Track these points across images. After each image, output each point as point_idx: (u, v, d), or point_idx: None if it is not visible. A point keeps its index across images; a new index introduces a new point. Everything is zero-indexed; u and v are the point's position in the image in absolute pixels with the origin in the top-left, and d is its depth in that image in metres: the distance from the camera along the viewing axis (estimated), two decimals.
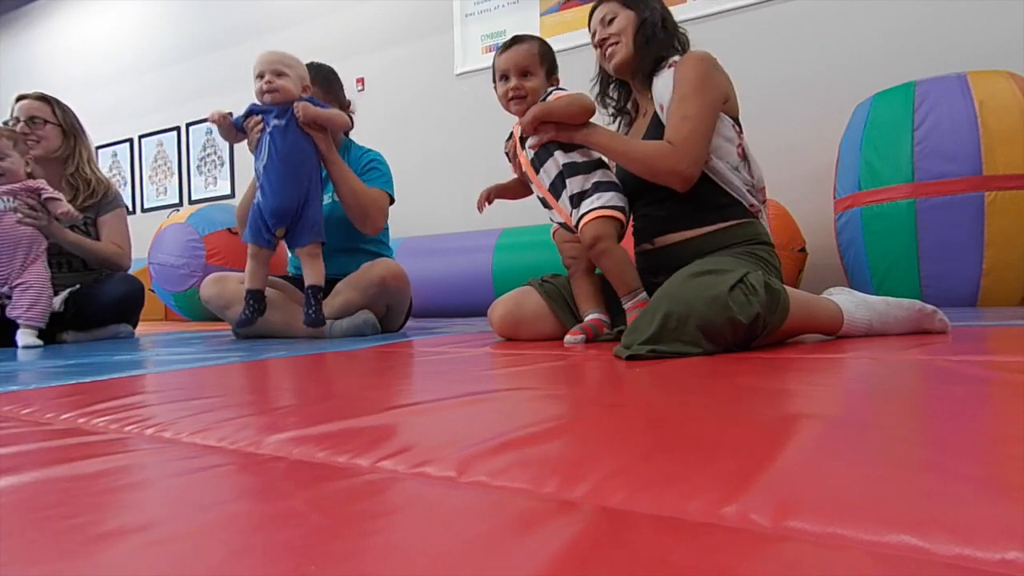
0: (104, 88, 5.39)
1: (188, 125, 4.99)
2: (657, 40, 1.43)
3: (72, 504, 0.39)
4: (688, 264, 1.22)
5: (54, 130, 2.25)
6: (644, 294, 1.32)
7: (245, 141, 1.86)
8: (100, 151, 5.39)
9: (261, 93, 1.79)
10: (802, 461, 0.42)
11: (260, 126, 1.79)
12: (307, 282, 1.79)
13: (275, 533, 0.33)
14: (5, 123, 2.22)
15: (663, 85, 1.39)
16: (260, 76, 1.78)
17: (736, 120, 1.42)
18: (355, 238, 2.04)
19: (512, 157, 1.51)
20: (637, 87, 1.52)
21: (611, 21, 1.47)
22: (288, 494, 0.40)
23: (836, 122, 2.54)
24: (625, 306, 1.33)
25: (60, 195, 2.05)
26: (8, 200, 1.95)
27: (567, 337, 1.35)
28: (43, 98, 2.29)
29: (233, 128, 1.84)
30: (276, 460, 0.48)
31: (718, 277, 1.09)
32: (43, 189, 2.02)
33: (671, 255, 1.39)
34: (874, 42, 2.75)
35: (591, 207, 1.34)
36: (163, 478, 0.46)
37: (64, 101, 2.35)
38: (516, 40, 1.45)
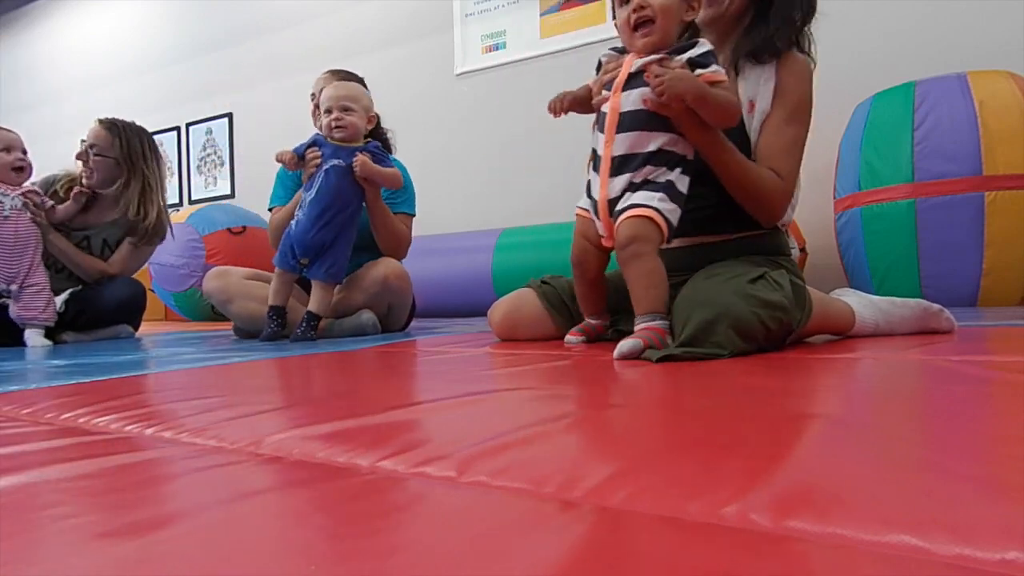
0: (104, 88, 5.38)
1: (188, 125, 4.98)
2: (793, 16, 1.18)
3: (72, 504, 0.39)
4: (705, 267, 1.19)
5: (106, 162, 2.18)
6: (665, 323, 1.06)
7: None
8: None
9: (329, 129, 1.77)
10: (802, 461, 0.42)
11: (317, 160, 1.78)
12: (310, 307, 1.79)
13: (275, 533, 0.33)
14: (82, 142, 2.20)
15: (759, 78, 1.18)
16: (328, 111, 1.76)
17: None
18: (362, 237, 2.03)
19: (598, 89, 1.19)
20: (716, 44, 1.14)
21: None
22: (288, 494, 0.40)
23: (836, 122, 2.53)
24: (637, 326, 1.07)
25: (51, 202, 2.09)
26: (20, 199, 1.98)
27: (568, 337, 1.35)
28: (109, 127, 2.20)
29: (295, 158, 1.80)
30: (276, 460, 0.48)
31: (737, 275, 1.08)
32: (42, 196, 2.05)
33: (695, 255, 1.29)
34: (874, 42, 2.75)
35: (641, 202, 1.09)
36: (163, 478, 0.46)
37: (120, 122, 2.24)
38: None
